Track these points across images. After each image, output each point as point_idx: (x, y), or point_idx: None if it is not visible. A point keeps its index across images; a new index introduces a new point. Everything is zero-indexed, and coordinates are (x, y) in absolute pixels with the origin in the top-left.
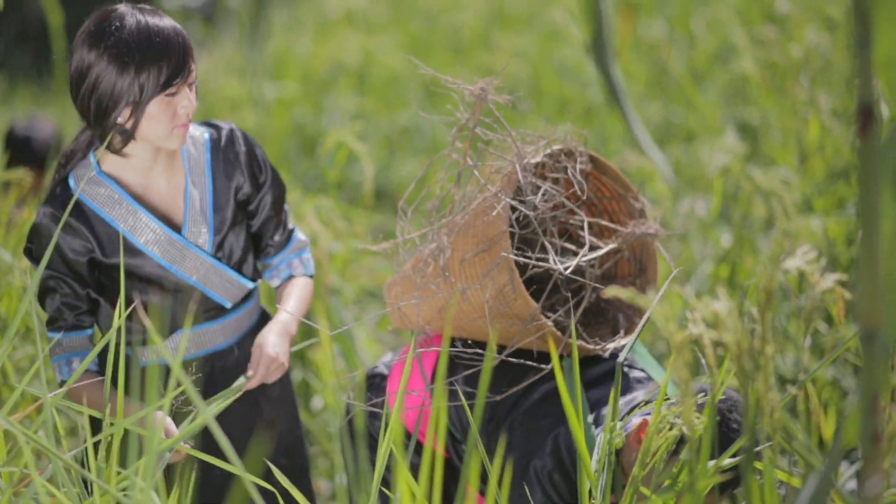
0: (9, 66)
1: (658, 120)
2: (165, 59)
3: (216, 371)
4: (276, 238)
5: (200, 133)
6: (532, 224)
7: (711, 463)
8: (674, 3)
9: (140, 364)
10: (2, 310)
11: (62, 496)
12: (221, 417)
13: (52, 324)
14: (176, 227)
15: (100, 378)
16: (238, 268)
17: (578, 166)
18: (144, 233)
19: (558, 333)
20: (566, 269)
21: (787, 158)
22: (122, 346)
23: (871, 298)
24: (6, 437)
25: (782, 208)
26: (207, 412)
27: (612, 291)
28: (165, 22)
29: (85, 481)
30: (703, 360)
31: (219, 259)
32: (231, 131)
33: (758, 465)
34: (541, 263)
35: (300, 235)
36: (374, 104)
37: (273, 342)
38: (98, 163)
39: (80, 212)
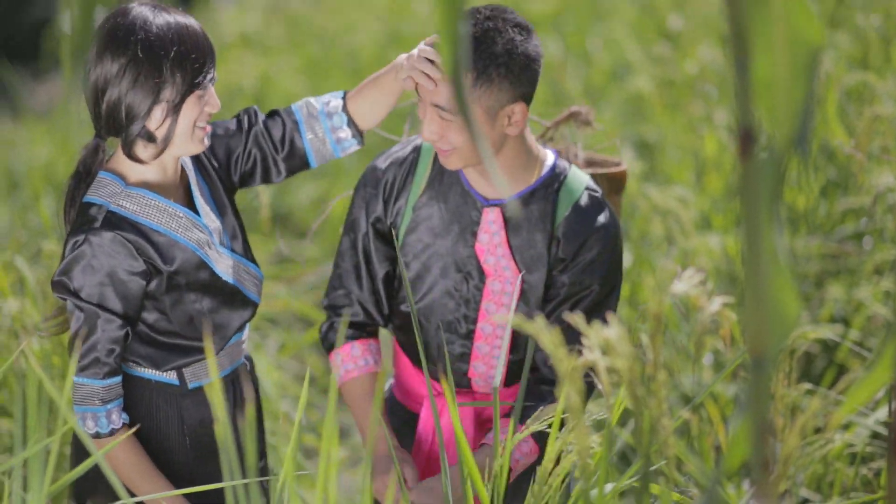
0: None
1: None
2: (198, 54)
3: (237, 386)
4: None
5: None
6: None
7: (609, 488)
8: (569, 22)
9: (172, 383)
10: None
11: None
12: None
13: (88, 369)
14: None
15: (131, 432)
16: (249, 257)
17: None
18: (190, 232)
19: None
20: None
21: (684, 176)
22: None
23: (756, 323)
24: None
25: (680, 226)
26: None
27: None
28: (189, 19)
29: None
30: (598, 385)
31: (234, 251)
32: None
33: (653, 488)
34: None
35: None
36: None
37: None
38: (119, 177)
39: (129, 225)
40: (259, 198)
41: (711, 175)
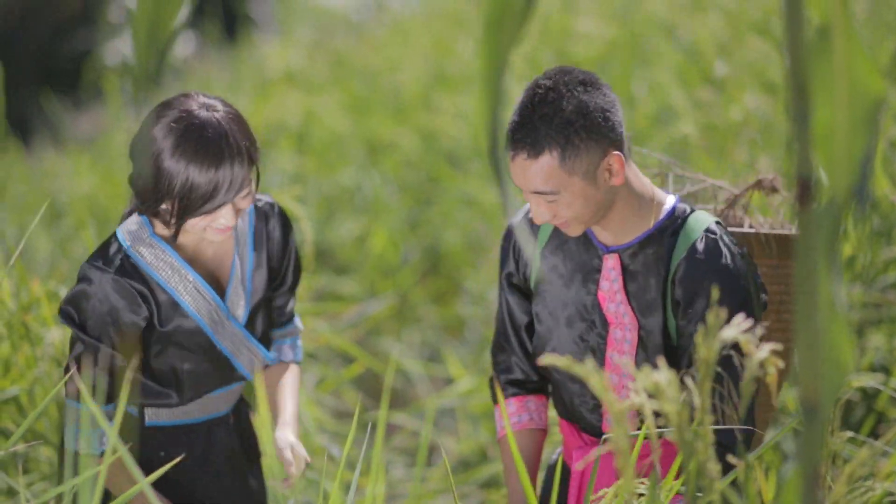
0: None
1: None
2: (202, 200)
3: (213, 435)
4: (279, 316)
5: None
6: None
7: None
8: (613, 66)
9: (145, 423)
10: None
11: None
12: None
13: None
14: (219, 295)
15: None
16: (263, 341)
17: None
18: (196, 299)
19: None
20: None
21: None
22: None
23: (810, 372)
24: None
25: None
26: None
27: None
28: (220, 162)
29: None
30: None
31: (249, 331)
32: (272, 205)
33: None
34: None
35: (298, 322)
36: (315, 164)
37: (296, 442)
38: (151, 223)
39: (140, 276)
40: (303, 234)
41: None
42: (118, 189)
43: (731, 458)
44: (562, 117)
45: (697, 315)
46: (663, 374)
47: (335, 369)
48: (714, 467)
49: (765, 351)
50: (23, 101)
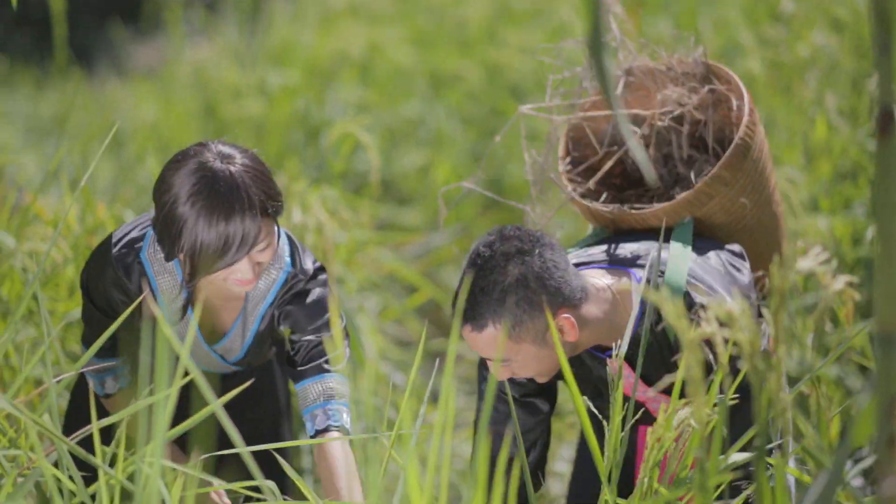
0: (9, 49)
1: None
2: (211, 262)
3: (226, 382)
4: (296, 355)
5: (278, 269)
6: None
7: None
8: (680, 2)
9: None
10: (3, 293)
11: (67, 481)
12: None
13: (89, 345)
14: (209, 341)
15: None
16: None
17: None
18: (182, 327)
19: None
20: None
21: (793, 158)
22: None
23: (888, 301)
24: (9, 421)
25: (789, 207)
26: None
27: None
28: (231, 221)
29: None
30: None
31: (236, 365)
32: (311, 278)
33: (770, 460)
34: None
35: (333, 382)
36: (378, 96)
37: None
38: None
39: (143, 278)
40: (368, 163)
41: (821, 158)
42: (179, 119)
43: (801, 387)
44: (501, 290)
45: None
46: (737, 304)
47: (398, 299)
48: (785, 397)
49: (840, 282)
50: (85, 31)
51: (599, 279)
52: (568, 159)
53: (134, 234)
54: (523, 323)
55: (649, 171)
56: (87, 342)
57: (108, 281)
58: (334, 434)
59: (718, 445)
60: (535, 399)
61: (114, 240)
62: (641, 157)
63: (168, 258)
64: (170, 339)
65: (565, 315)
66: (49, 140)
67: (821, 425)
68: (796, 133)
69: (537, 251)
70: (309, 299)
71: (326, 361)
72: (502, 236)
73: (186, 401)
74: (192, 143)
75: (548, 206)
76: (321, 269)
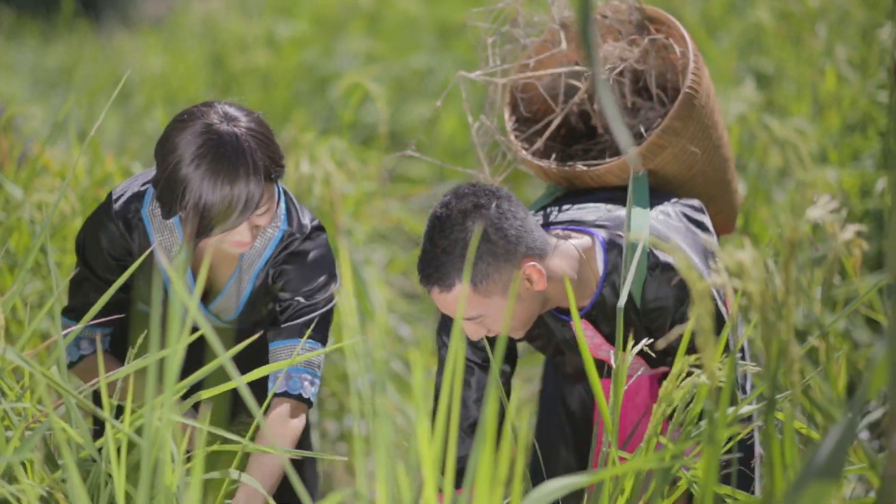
0: (16, 1)
1: None
2: (214, 221)
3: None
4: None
5: (275, 227)
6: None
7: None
8: None
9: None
10: (11, 245)
11: (75, 433)
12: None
13: (71, 311)
14: (205, 298)
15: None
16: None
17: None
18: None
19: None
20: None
21: (802, 109)
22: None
23: None
24: (18, 374)
25: (798, 158)
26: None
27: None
28: (236, 183)
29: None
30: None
31: (244, 319)
32: (307, 237)
33: (778, 415)
34: None
35: (306, 348)
36: (386, 47)
37: None
38: None
39: (143, 236)
40: (376, 114)
41: (830, 110)
42: (187, 70)
43: (812, 341)
44: (462, 246)
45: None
46: (748, 254)
47: (405, 251)
48: (795, 349)
49: (850, 232)
50: None
51: (564, 239)
52: (514, 118)
53: (135, 189)
54: (489, 276)
55: (624, 134)
56: (70, 311)
57: (109, 235)
58: (288, 401)
59: (727, 397)
60: None
61: (114, 196)
62: (616, 118)
63: (167, 216)
64: (181, 293)
65: (531, 263)
66: (56, 92)
67: (829, 378)
68: (805, 84)
69: (494, 203)
70: (304, 260)
71: (305, 325)
72: (458, 194)
73: (188, 362)
74: (199, 94)
75: (497, 170)
76: (319, 228)
